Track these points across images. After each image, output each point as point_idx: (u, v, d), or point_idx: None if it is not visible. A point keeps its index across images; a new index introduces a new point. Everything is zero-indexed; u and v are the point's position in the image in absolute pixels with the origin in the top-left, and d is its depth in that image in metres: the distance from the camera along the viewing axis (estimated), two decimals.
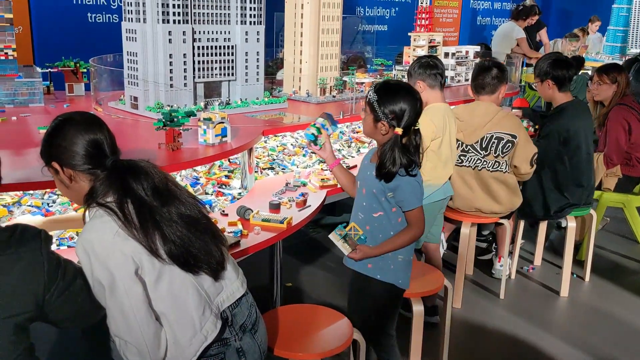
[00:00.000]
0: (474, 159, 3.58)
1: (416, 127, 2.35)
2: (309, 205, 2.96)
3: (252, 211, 2.75)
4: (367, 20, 9.20)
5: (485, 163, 3.57)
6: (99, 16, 6.40)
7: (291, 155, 4.14)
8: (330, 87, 4.38)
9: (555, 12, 12.07)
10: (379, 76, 5.18)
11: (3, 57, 3.48)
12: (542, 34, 8.56)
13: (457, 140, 3.53)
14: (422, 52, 4.85)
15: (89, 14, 6.32)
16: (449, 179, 3.48)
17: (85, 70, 3.99)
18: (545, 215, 4.02)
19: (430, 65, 3.36)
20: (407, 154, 2.31)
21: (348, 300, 2.68)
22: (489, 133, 3.54)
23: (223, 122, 2.84)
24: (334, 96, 4.32)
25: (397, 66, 5.37)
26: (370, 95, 2.34)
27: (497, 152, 3.55)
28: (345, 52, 6.58)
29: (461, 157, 3.59)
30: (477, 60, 5.37)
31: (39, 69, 3.73)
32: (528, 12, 8.18)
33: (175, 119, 2.72)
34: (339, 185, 2.80)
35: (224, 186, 3.43)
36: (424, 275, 2.88)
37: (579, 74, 6.52)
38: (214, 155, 2.78)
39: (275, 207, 2.88)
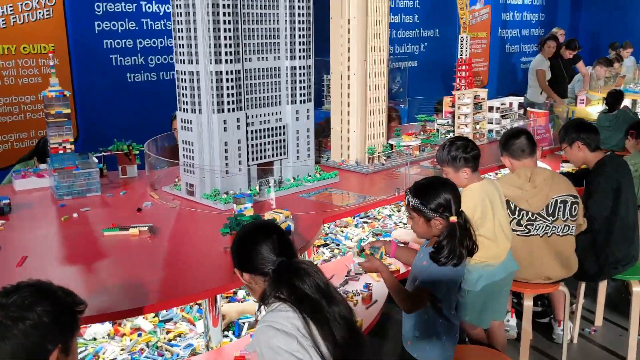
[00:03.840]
0: (542, 226, 3.52)
1: (460, 209, 2.49)
2: (376, 301, 2.93)
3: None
4: (397, 58, 9.21)
5: (555, 228, 3.52)
6: (138, 76, 6.52)
7: (343, 227, 4.13)
8: (379, 153, 4.36)
9: (583, 34, 11.96)
10: (422, 132, 5.16)
11: (62, 151, 3.53)
12: (580, 67, 8.47)
13: (522, 210, 3.48)
14: (468, 110, 4.82)
15: (128, 74, 6.45)
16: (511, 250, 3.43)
17: (137, 152, 4.04)
18: (598, 274, 3.94)
19: (470, 150, 3.28)
20: (466, 237, 2.46)
21: None
22: (553, 198, 3.50)
23: (286, 221, 2.83)
24: (382, 164, 4.30)
25: (438, 120, 5.33)
26: (412, 202, 2.46)
27: (566, 216, 3.52)
28: None
29: (528, 227, 3.53)
30: (521, 111, 5.33)
31: (95, 158, 3.77)
32: (545, 40, 8.14)
33: (241, 224, 2.72)
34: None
35: None
36: None
37: (620, 108, 6.42)
38: None
39: None
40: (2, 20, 5.61)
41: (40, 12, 5.82)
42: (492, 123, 5.14)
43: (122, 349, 2.63)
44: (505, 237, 3.34)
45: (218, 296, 2.60)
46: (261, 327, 1.88)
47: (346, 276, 3.20)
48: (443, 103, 5.49)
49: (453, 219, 2.41)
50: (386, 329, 3.91)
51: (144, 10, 6.45)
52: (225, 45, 3.36)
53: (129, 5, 6.34)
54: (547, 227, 3.52)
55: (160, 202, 3.58)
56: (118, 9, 6.29)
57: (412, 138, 4.61)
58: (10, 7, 5.61)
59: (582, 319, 4.32)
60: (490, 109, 5.11)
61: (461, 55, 5.44)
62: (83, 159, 3.75)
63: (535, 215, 3.52)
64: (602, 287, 4.19)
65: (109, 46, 6.31)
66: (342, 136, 4.30)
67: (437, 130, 5.21)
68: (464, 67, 5.42)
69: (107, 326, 2.78)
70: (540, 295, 4.40)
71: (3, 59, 5.68)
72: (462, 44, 5.43)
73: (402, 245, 3.30)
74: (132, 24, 6.39)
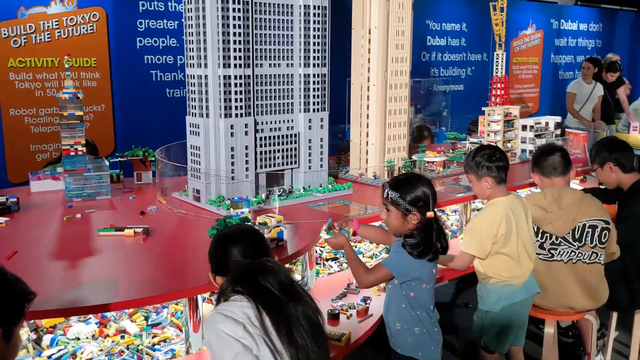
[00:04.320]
0: (567, 252, 3.25)
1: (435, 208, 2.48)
2: (371, 315, 2.77)
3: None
4: (442, 81, 9.03)
5: (581, 255, 3.25)
6: (177, 91, 6.61)
7: (357, 242, 3.97)
8: (399, 168, 4.21)
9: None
10: (451, 150, 4.98)
11: (73, 153, 3.56)
12: (620, 92, 8.05)
13: (545, 232, 3.24)
14: (498, 127, 4.61)
15: (167, 89, 6.55)
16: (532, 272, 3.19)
17: (153, 159, 4.03)
18: (631, 305, 3.62)
19: (496, 159, 3.10)
20: (441, 237, 2.45)
21: None
22: (581, 222, 3.23)
23: (279, 226, 2.72)
24: None
25: (470, 138, 5.14)
26: (390, 194, 2.44)
27: (594, 242, 3.23)
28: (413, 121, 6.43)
29: (551, 251, 3.26)
30: (558, 131, 5.06)
31: (106, 162, 3.78)
32: (586, 64, 7.77)
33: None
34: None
35: None
36: None
37: None
38: None
39: (334, 317, 2.70)
40: (48, 34, 5.80)
41: (84, 27, 6.00)
42: (525, 142, 4.89)
43: (101, 350, 2.55)
44: (529, 257, 3.12)
45: (200, 301, 2.50)
46: (210, 315, 1.82)
47: (345, 289, 3.05)
48: (478, 123, 5.29)
49: (430, 214, 2.41)
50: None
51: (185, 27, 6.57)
52: (235, 50, 3.33)
53: (170, 23, 6.47)
54: (573, 253, 3.25)
55: (167, 207, 3.54)
56: (160, 25, 6.43)
57: (436, 154, 4.43)
58: (55, 21, 5.81)
59: (615, 352, 3.99)
60: (524, 127, 4.88)
61: (496, 72, 5.24)
62: (96, 163, 3.77)
63: (559, 239, 3.26)
64: (638, 318, 3.85)
65: (149, 62, 6.43)
66: (360, 149, 4.18)
67: (468, 149, 5.01)
68: (499, 85, 5.22)
69: (92, 326, 2.72)
70: (573, 325, 4.10)
71: (47, 71, 5.87)
72: (497, 61, 5.24)
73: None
74: (172, 40, 6.51)
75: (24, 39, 5.71)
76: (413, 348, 2.51)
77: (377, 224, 3.25)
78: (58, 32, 5.85)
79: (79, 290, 2.30)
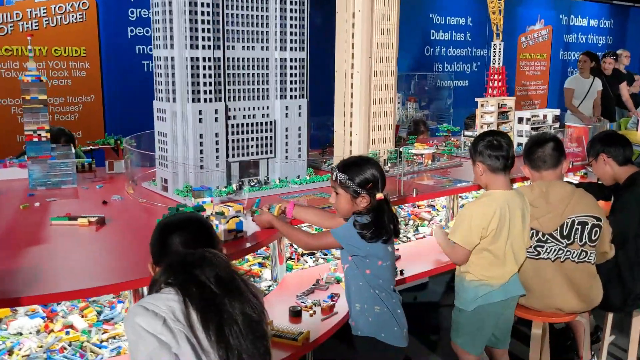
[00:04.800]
0: (554, 250, 3.02)
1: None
2: (336, 313, 2.56)
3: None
4: (446, 76, 8.79)
5: (569, 253, 3.02)
6: None
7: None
8: (384, 159, 4.00)
9: None
10: (444, 144, 4.76)
11: (36, 139, 3.39)
12: (622, 88, 7.73)
13: (532, 229, 3.01)
14: (491, 118, 4.38)
15: None
16: (518, 273, 2.97)
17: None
18: (624, 304, 3.37)
19: (493, 146, 2.89)
20: (393, 219, 2.37)
21: None
22: (570, 217, 3.00)
23: (238, 216, 2.52)
24: (387, 171, 3.93)
25: (465, 132, 4.91)
26: (339, 176, 2.36)
27: (584, 240, 3.00)
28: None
29: (537, 249, 3.02)
30: (557, 124, 4.82)
31: (73, 150, 3.61)
32: (582, 57, 7.48)
33: None
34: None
35: (252, 277, 3.10)
36: None
37: None
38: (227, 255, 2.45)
39: (295, 315, 2.50)
40: (35, 22, 5.66)
41: (73, 16, 5.85)
42: (522, 136, 4.66)
43: (40, 346, 2.37)
44: (515, 259, 2.90)
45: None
46: (131, 307, 1.63)
47: (313, 285, 2.85)
48: (476, 117, 5.06)
49: (380, 195, 2.35)
50: None
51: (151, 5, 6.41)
52: (203, 30, 3.14)
53: None
54: (560, 251, 3.02)
55: (132, 197, 3.35)
56: None
57: (425, 147, 4.21)
58: (44, 9, 5.67)
59: (610, 356, 3.74)
60: (520, 120, 4.64)
61: (494, 63, 5.00)
62: (62, 150, 3.59)
63: (546, 236, 3.03)
64: (638, 321, 3.61)
65: (141, 52, 6.27)
66: (344, 139, 3.97)
67: (464, 142, 4.79)
68: (496, 77, 4.98)
69: (37, 321, 2.54)
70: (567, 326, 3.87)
71: (35, 60, 5.71)
72: (494, 52, 5.00)
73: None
74: None
75: (11, 26, 5.57)
76: (375, 328, 2.37)
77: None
78: (46, 21, 5.71)
79: (15, 281, 2.11)
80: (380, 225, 2.31)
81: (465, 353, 2.95)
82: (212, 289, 1.62)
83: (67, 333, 2.49)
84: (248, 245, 2.48)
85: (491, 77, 5.01)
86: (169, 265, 1.70)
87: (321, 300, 2.67)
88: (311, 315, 2.55)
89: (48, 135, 3.42)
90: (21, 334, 2.49)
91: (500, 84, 4.96)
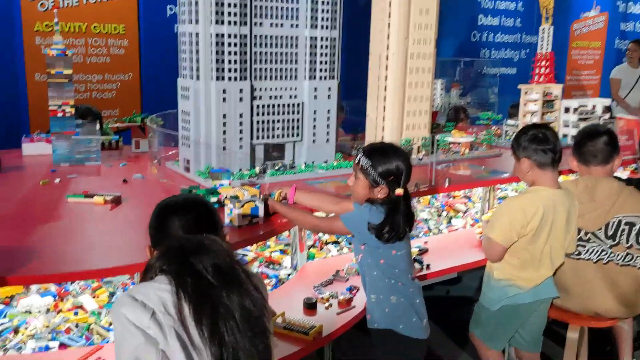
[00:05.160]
0: (597, 250, 2.80)
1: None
2: (354, 307, 2.42)
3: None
4: (492, 63, 8.46)
5: (613, 255, 2.79)
6: None
7: None
8: (418, 147, 3.81)
9: None
10: (484, 132, 4.53)
11: (60, 114, 3.34)
12: None
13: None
14: (536, 107, 4.13)
15: None
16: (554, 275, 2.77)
17: None
18: None
19: (538, 139, 2.67)
20: (409, 220, 2.24)
21: None
22: (616, 217, 2.77)
23: (253, 201, 2.40)
24: (420, 159, 3.74)
25: (508, 120, 4.67)
26: (362, 161, 2.23)
27: (630, 242, 2.77)
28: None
29: (578, 248, 2.81)
30: (607, 115, 4.52)
31: (97, 127, 3.55)
32: (632, 46, 7.06)
33: None
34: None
35: (272, 265, 2.98)
36: None
37: None
38: (240, 241, 2.32)
39: (310, 307, 2.37)
40: None
41: None
42: (567, 126, 4.39)
43: (47, 326, 2.31)
44: (551, 263, 2.70)
45: None
46: (120, 296, 1.53)
47: (333, 276, 2.71)
48: (519, 105, 4.80)
49: (399, 191, 2.19)
50: None
51: None
52: (230, 5, 3.00)
53: None
54: (603, 252, 2.80)
55: (154, 177, 3.27)
56: None
57: (464, 134, 4.00)
58: None
59: None
60: (567, 110, 4.37)
61: (541, 49, 4.73)
62: (88, 127, 3.54)
63: (588, 234, 2.81)
64: None
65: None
66: (376, 125, 3.79)
67: (506, 132, 4.55)
68: (543, 63, 4.70)
69: (47, 299, 2.49)
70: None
71: (74, 37, 5.71)
72: (542, 37, 4.72)
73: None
74: None
75: (52, 2, 5.57)
76: (392, 319, 2.23)
77: None
78: None
79: (25, 258, 2.04)
80: (393, 227, 2.16)
81: (483, 346, 2.78)
82: (209, 279, 1.48)
83: (76, 314, 2.42)
84: (261, 232, 2.35)
85: (537, 64, 4.74)
86: (165, 250, 1.57)
87: (339, 292, 2.53)
88: (327, 308, 2.41)
89: (72, 110, 3.36)
90: (30, 312, 2.43)
91: (547, 70, 4.68)
